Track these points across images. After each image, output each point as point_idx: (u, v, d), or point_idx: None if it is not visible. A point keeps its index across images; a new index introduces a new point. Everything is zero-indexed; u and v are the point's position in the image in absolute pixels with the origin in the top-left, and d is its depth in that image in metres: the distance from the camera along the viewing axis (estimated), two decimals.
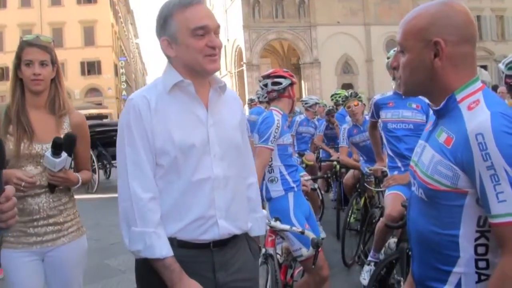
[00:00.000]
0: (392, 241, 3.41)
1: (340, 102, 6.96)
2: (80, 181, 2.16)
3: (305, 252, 2.81)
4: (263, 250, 2.86)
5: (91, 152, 10.14)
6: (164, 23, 1.58)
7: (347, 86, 28.64)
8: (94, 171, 10.20)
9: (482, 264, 1.18)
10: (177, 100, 1.60)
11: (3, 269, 2.08)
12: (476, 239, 1.18)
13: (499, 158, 1.08)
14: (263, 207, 2.25)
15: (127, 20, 61.44)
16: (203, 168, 1.58)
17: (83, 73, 38.52)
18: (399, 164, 3.40)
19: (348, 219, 4.82)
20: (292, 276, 3.26)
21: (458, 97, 1.23)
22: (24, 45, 2.08)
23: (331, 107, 7.59)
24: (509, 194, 1.08)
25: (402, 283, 2.79)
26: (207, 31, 1.55)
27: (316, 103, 7.29)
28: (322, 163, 7.23)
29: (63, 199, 2.15)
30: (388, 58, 3.71)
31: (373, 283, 2.90)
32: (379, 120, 3.59)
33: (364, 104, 5.55)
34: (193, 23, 1.53)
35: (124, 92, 43.40)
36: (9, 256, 2.03)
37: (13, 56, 2.10)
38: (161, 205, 1.56)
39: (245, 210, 1.74)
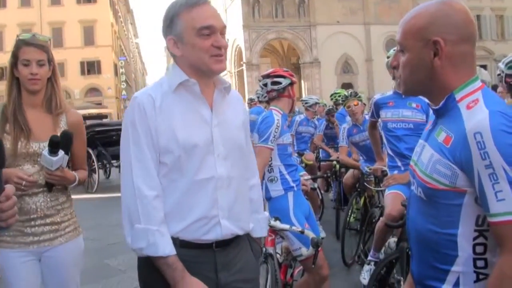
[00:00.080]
0: (392, 240, 3.41)
1: (340, 101, 6.96)
2: (77, 179, 2.15)
3: (305, 251, 2.82)
4: (263, 250, 2.87)
5: (91, 152, 10.13)
6: (170, 22, 1.59)
7: (347, 85, 28.61)
8: (94, 171, 10.19)
9: (480, 263, 1.18)
10: (182, 99, 1.60)
11: (0, 269, 2.07)
12: (474, 238, 1.18)
13: (498, 156, 1.09)
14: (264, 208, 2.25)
15: (127, 19, 61.45)
16: (207, 168, 1.58)
17: (82, 72, 38.53)
18: (399, 164, 3.40)
19: (348, 219, 4.82)
20: (292, 275, 3.26)
21: (457, 96, 1.24)
22: (21, 44, 2.08)
23: (331, 107, 7.59)
24: (507, 193, 1.08)
25: (402, 283, 2.79)
26: (213, 31, 1.56)
27: (316, 103, 7.29)
28: (322, 163, 7.24)
29: (61, 199, 2.15)
30: (388, 57, 3.71)
31: (373, 282, 2.90)
32: (379, 120, 3.59)
33: (364, 104, 5.55)
34: (199, 22, 1.54)
35: (124, 92, 43.40)
36: (6, 256, 2.02)
37: None
38: (164, 204, 1.56)
39: (247, 211, 1.75)
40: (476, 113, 1.16)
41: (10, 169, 1.96)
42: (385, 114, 3.50)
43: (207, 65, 1.58)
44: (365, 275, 3.60)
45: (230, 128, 1.67)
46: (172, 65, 1.68)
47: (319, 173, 6.83)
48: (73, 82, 36.93)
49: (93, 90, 38.90)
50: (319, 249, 2.49)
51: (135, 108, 1.57)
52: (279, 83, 3.07)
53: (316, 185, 5.03)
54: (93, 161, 10.11)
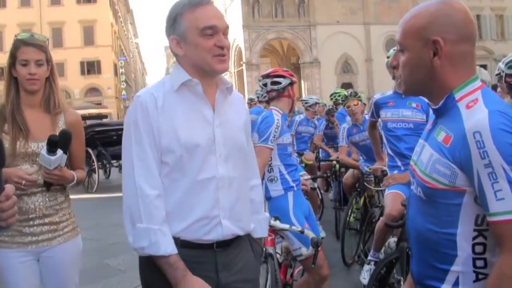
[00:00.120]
0: (392, 240, 3.41)
1: (340, 101, 6.96)
2: (76, 179, 2.14)
3: (305, 251, 2.82)
4: (263, 250, 2.87)
5: (91, 152, 10.13)
6: (173, 22, 1.60)
7: (346, 85, 28.60)
8: (94, 171, 10.19)
9: (479, 263, 1.18)
10: (185, 99, 1.61)
11: None
12: (473, 238, 1.18)
13: (497, 156, 1.08)
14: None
15: (127, 19, 61.45)
16: (208, 168, 1.59)
17: (82, 72, 38.54)
18: (399, 163, 3.40)
19: (348, 219, 4.83)
20: (292, 275, 3.26)
21: (457, 96, 1.24)
22: (19, 44, 2.07)
23: (330, 107, 7.59)
24: (507, 192, 1.08)
25: (402, 283, 2.79)
26: (215, 31, 1.57)
27: (316, 103, 7.29)
28: (322, 163, 7.24)
29: (59, 199, 2.15)
30: (388, 57, 3.71)
31: (373, 282, 2.90)
32: (379, 120, 3.59)
33: (364, 104, 5.55)
34: (202, 22, 1.55)
35: (123, 92, 43.42)
36: (4, 256, 2.01)
37: None
38: (165, 204, 1.56)
39: (248, 211, 1.75)
40: (475, 113, 1.16)
41: (9, 168, 1.95)
42: (385, 114, 3.50)
43: (210, 65, 1.58)
44: (365, 275, 3.60)
45: (231, 128, 1.68)
46: (175, 64, 1.68)
47: (318, 173, 6.83)
48: (73, 82, 36.93)
49: (93, 90, 38.91)
50: (319, 249, 2.49)
51: (138, 107, 1.57)
52: (279, 83, 3.07)
53: (316, 185, 5.03)
54: (93, 161, 10.11)
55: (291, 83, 3.12)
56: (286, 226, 2.66)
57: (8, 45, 2.21)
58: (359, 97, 5.13)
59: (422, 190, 1.26)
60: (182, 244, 1.56)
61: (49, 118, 2.13)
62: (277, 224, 2.67)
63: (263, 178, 3.00)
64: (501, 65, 3.12)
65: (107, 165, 11.26)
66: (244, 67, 32.64)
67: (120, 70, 43.60)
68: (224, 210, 1.61)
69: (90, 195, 9.48)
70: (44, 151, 1.95)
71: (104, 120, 16.59)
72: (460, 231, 1.19)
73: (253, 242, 1.80)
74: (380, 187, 4.03)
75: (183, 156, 1.55)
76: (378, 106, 3.57)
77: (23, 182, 1.93)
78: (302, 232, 2.57)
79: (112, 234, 6.08)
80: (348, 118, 5.29)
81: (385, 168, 3.63)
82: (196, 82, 1.60)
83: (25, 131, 2.04)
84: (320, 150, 7.65)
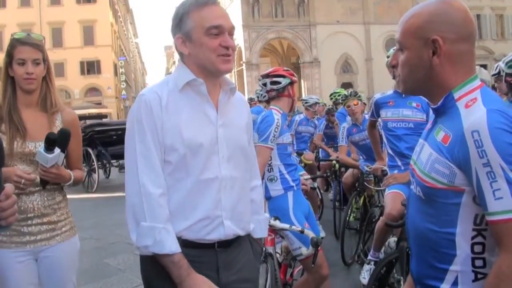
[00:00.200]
0: (392, 240, 3.42)
1: (340, 101, 6.96)
2: (73, 178, 2.13)
3: (305, 251, 2.81)
4: (263, 250, 2.87)
5: (91, 152, 10.13)
6: (179, 21, 1.61)
7: (346, 85, 28.63)
8: (94, 170, 10.19)
9: (478, 262, 1.18)
10: (188, 98, 1.61)
11: None
12: (472, 238, 1.18)
13: (495, 155, 1.08)
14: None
15: (127, 19, 61.45)
16: (211, 168, 1.59)
17: (82, 72, 38.54)
18: (399, 163, 3.40)
19: (347, 218, 4.82)
20: (291, 275, 3.26)
21: (456, 95, 1.24)
22: (16, 44, 2.06)
23: (330, 106, 7.59)
24: (505, 191, 1.08)
25: (402, 282, 2.79)
26: (221, 31, 1.57)
27: (316, 103, 7.29)
28: (322, 162, 7.24)
29: (57, 198, 2.15)
30: (388, 57, 3.71)
31: (373, 282, 2.90)
32: (379, 119, 3.59)
33: (364, 103, 5.55)
34: (208, 22, 1.56)
35: (123, 92, 43.44)
36: (3, 256, 2.01)
37: None
38: (168, 203, 1.56)
39: (248, 212, 1.76)
40: (474, 112, 1.16)
41: (8, 168, 1.95)
42: (386, 114, 3.50)
43: (214, 65, 1.58)
44: (365, 274, 3.60)
45: (234, 129, 1.68)
46: (179, 63, 1.68)
47: (318, 173, 6.83)
48: (73, 82, 36.94)
49: (93, 90, 38.91)
50: (319, 248, 2.49)
51: (142, 106, 1.57)
52: (279, 82, 3.07)
53: (315, 185, 5.03)
54: (93, 161, 10.10)
55: (291, 83, 3.11)
56: (286, 225, 2.66)
57: (7, 45, 2.19)
58: (359, 96, 5.13)
59: (421, 189, 1.26)
60: (183, 243, 1.56)
61: (46, 117, 2.13)
62: (277, 223, 2.67)
63: (263, 178, 3.00)
64: (501, 64, 3.12)
65: (107, 165, 11.26)
66: (244, 66, 32.64)
67: (120, 70, 43.62)
68: (226, 210, 1.61)
69: (90, 194, 9.48)
70: (41, 149, 1.94)
71: (104, 120, 16.57)
72: (459, 231, 1.19)
73: (253, 242, 1.81)
74: (380, 186, 4.03)
75: (187, 155, 1.55)
76: (378, 106, 3.57)
77: (22, 181, 1.92)
78: (302, 231, 2.57)
79: (112, 233, 6.09)
80: (348, 118, 5.29)
81: (385, 167, 3.63)
82: (201, 82, 1.60)
83: (22, 131, 2.03)
84: (320, 149, 7.66)
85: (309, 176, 4.11)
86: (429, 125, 1.36)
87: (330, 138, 7.43)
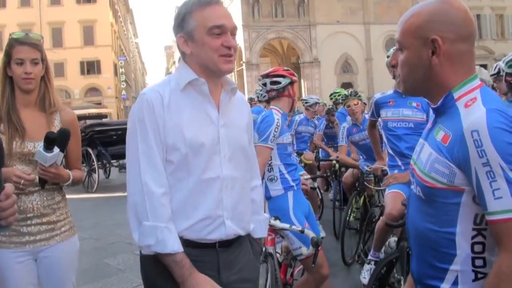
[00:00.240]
0: (392, 240, 3.42)
1: (340, 101, 6.96)
2: (71, 178, 2.13)
3: (305, 251, 2.82)
4: (263, 249, 2.86)
5: (91, 152, 10.12)
6: (182, 20, 1.61)
7: (346, 85, 28.63)
8: (94, 170, 10.19)
9: (479, 262, 1.18)
10: (190, 98, 1.61)
11: None
12: (472, 237, 1.18)
13: (495, 154, 1.08)
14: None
15: (127, 19, 61.46)
16: (213, 168, 1.59)
17: (82, 72, 38.55)
18: (399, 163, 3.41)
19: (347, 218, 4.82)
20: (292, 275, 3.26)
21: (456, 95, 1.24)
22: (14, 43, 2.06)
23: (330, 106, 7.59)
24: (505, 191, 1.08)
25: (402, 282, 2.79)
26: (223, 30, 1.57)
27: (316, 103, 7.29)
28: (322, 162, 7.24)
29: (56, 198, 2.14)
30: (388, 56, 3.71)
31: (373, 282, 2.90)
32: (379, 119, 3.59)
33: (365, 103, 5.55)
34: (211, 21, 1.56)
35: (123, 92, 43.44)
36: (2, 256, 2.00)
37: None
38: (170, 202, 1.56)
39: (249, 212, 1.76)
40: (473, 111, 1.16)
41: (7, 168, 1.94)
42: (386, 114, 3.50)
43: (216, 65, 1.58)
44: (365, 274, 3.60)
45: (235, 129, 1.68)
46: (181, 63, 1.68)
47: (318, 173, 6.84)
48: (73, 82, 36.96)
49: (93, 90, 38.92)
50: (319, 248, 2.49)
51: (144, 105, 1.56)
52: (279, 82, 3.07)
53: (316, 185, 5.03)
54: (93, 161, 10.10)
55: (291, 83, 3.11)
56: (286, 225, 2.66)
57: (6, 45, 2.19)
58: (359, 96, 5.13)
59: (421, 189, 1.26)
60: (185, 243, 1.56)
61: (45, 117, 2.12)
62: (277, 223, 2.67)
63: (263, 178, 3.00)
64: (501, 64, 3.13)
65: (107, 165, 11.26)
66: (244, 66, 32.66)
67: (120, 70, 43.62)
68: (227, 210, 1.61)
69: (90, 194, 9.49)
70: (41, 148, 1.94)
71: (104, 120, 16.58)
72: (459, 230, 1.19)
73: (253, 242, 1.81)
74: (380, 186, 4.03)
75: (188, 155, 1.55)
76: (378, 106, 3.57)
77: (22, 181, 1.92)
78: (302, 231, 2.57)
79: (111, 233, 6.09)
80: (348, 118, 5.29)
81: (385, 167, 3.63)
82: (203, 81, 1.60)
83: (21, 131, 2.03)
84: (320, 149, 7.66)
85: (309, 176, 4.12)
86: (429, 125, 1.36)
87: (330, 138, 7.43)
